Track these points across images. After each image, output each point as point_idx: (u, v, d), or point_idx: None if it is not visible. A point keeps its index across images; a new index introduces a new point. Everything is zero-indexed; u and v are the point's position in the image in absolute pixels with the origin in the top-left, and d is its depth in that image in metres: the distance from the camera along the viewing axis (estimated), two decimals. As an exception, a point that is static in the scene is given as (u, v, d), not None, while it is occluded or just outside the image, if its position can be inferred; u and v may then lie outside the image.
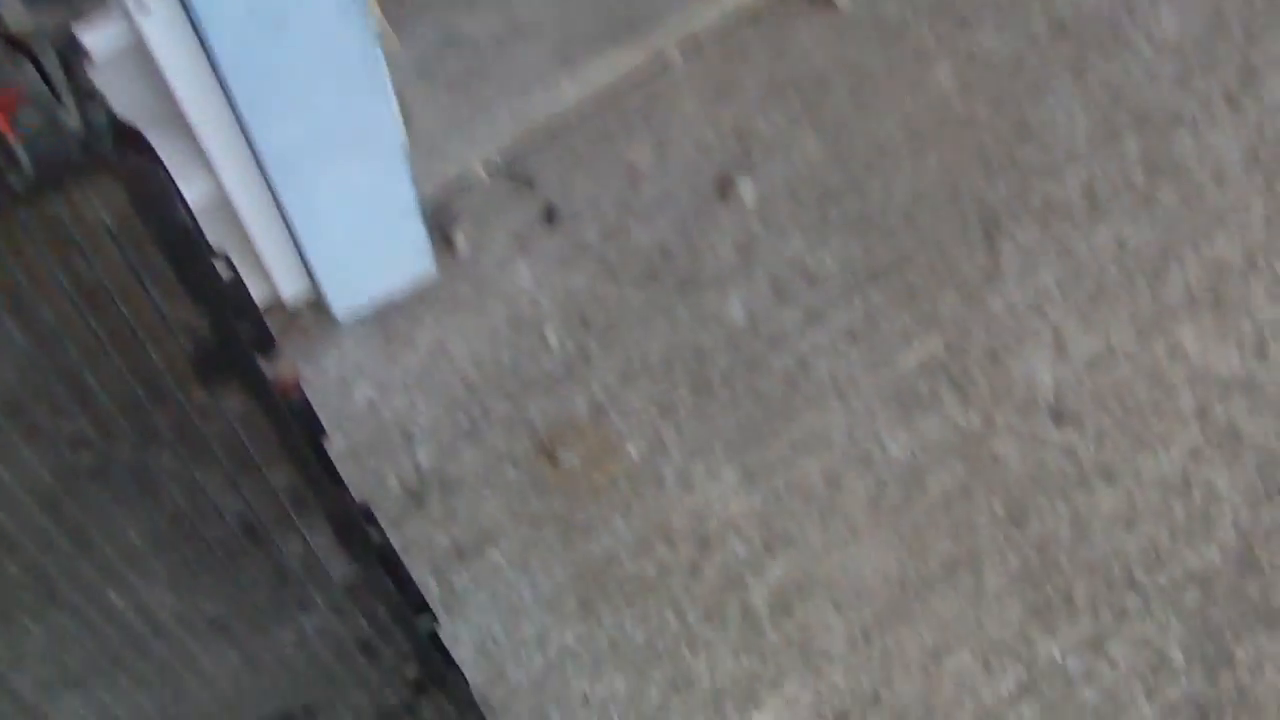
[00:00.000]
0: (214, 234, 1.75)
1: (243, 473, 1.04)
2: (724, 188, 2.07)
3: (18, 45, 0.80)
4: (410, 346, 1.97)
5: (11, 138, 0.82)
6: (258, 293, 1.90)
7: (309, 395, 1.01)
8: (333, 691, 1.31)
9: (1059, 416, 1.93)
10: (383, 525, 1.18)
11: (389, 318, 1.98)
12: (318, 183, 1.74)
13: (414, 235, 1.92)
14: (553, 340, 1.98)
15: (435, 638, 1.35)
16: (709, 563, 1.87)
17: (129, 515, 1.04)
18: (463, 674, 1.44)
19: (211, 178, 1.69)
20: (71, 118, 0.84)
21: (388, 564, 1.23)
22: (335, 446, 1.72)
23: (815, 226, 2.05)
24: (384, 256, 1.89)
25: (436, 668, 1.35)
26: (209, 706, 1.25)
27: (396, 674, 1.32)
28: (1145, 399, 1.93)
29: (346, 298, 1.94)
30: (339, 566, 1.16)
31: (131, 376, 0.94)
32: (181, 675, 1.20)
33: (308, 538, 1.12)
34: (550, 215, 2.05)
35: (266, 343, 0.96)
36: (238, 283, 0.94)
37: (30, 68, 0.80)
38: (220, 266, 0.92)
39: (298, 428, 1.03)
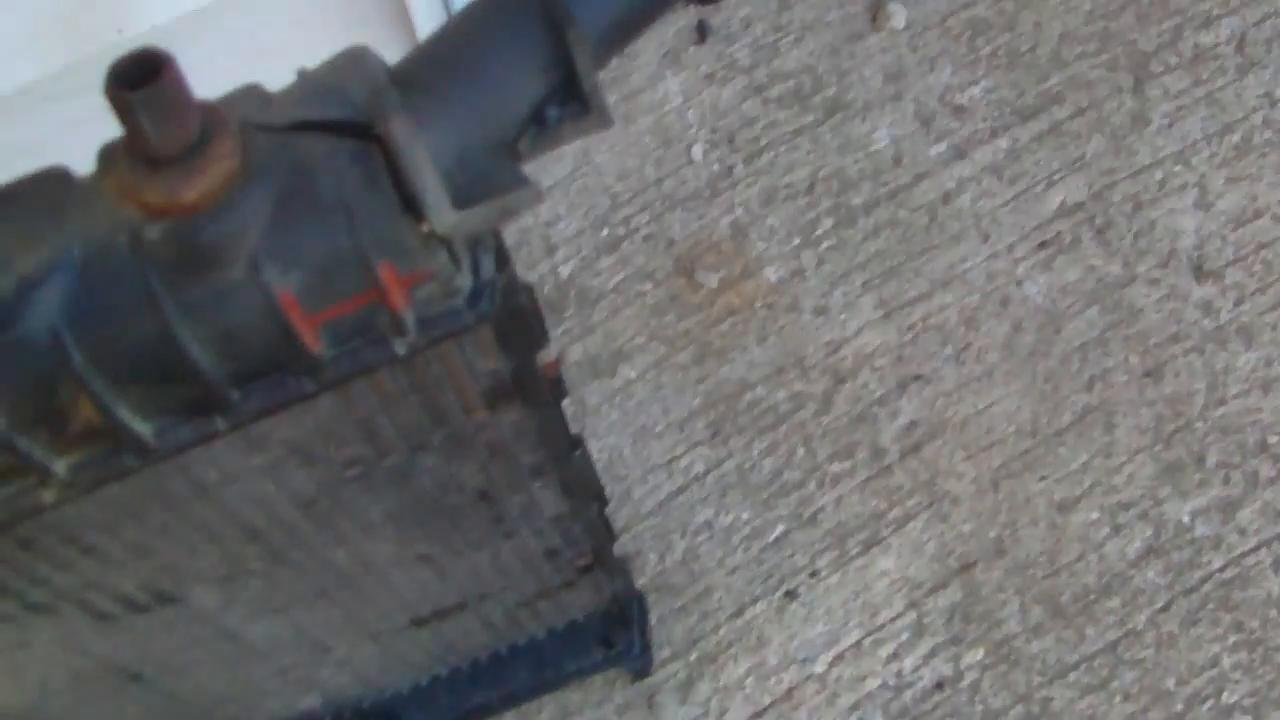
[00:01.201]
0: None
1: (495, 460, 0.91)
2: (876, 14, 1.82)
3: (439, 240, 0.66)
4: (556, 155, 1.72)
5: (404, 309, 0.69)
6: (403, 50, 1.66)
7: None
8: (508, 583, 1.16)
9: (1200, 271, 1.68)
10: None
11: (536, 122, 1.74)
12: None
13: (566, 38, 1.69)
14: (698, 157, 1.73)
15: (604, 519, 1.17)
16: (841, 396, 1.61)
17: (376, 502, 0.91)
18: (614, 535, 1.25)
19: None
20: (465, 279, 0.72)
21: (599, 496, 1.13)
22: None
23: (965, 60, 1.77)
24: (535, 56, 1.67)
25: (604, 551, 1.19)
26: (392, 608, 1.13)
27: (570, 565, 1.18)
28: (1288, 261, 1.70)
29: (495, 97, 1.69)
30: (553, 507, 1.03)
31: (422, 413, 0.82)
32: (378, 596, 1.08)
33: (534, 494, 0.99)
34: (702, 32, 1.77)
35: (542, 341, 0.84)
36: (536, 312, 0.82)
37: (444, 253, 0.67)
38: (522, 296, 0.79)
39: (556, 414, 0.92)
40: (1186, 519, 1.56)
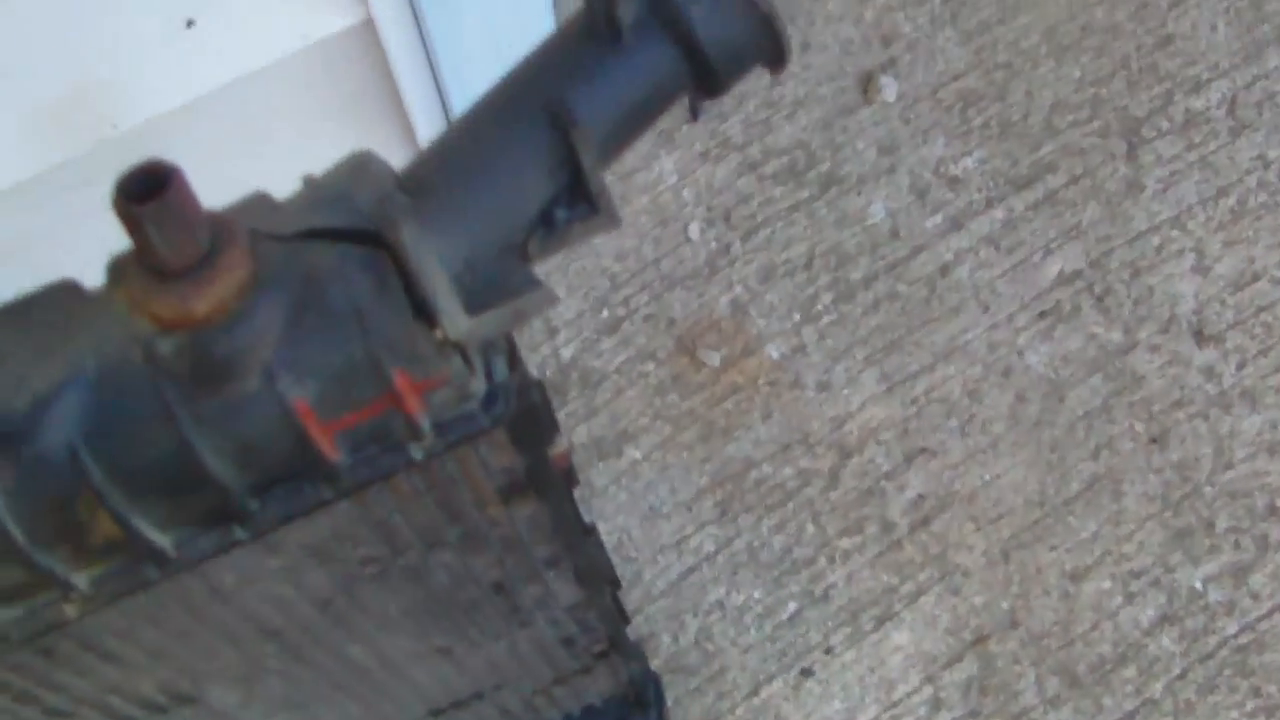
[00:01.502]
0: (358, 69, 1.54)
1: (510, 553, 0.91)
2: (867, 88, 1.84)
3: (453, 345, 0.67)
4: (554, 237, 1.73)
5: (420, 415, 0.70)
6: (399, 142, 1.66)
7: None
8: (525, 671, 1.16)
9: (1201, 336, 1.69)
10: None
11: (533, 205, 1.74)
12: (466, 24, 1.50)
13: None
14: (695, 235, 1.74)
15: (618, 603, 1.17)
16: (848, 471, 1.61)
17: (393, 598, 0.91)
18: (628, 619, 1.26)
19: (361, 6, 1.46)
20: (478, 382, 0.73)
21: (612, 582, 1.13)
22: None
23: (957, 131, 1.80)
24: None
25: (619, 636, 1.18)
26: (410, 700, 1.13)
27: (586, 652, 1.17)
28: (1289, 323, 1.71)
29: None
30: (568, 596, 1.02)
31: (438, 512, 0.81)
32: (395, 688, 1.08)
33: (550, 584, 0.99)
34: (695, 110, 1.81)
35: (554, 434, 0.83)
36: (547, 407, 0.81)
37: (457, 358, 0.68)
38: (535, 393, 0.78)
39: (569, 504, 0.91)
40: (1199, 585, 1.56)
